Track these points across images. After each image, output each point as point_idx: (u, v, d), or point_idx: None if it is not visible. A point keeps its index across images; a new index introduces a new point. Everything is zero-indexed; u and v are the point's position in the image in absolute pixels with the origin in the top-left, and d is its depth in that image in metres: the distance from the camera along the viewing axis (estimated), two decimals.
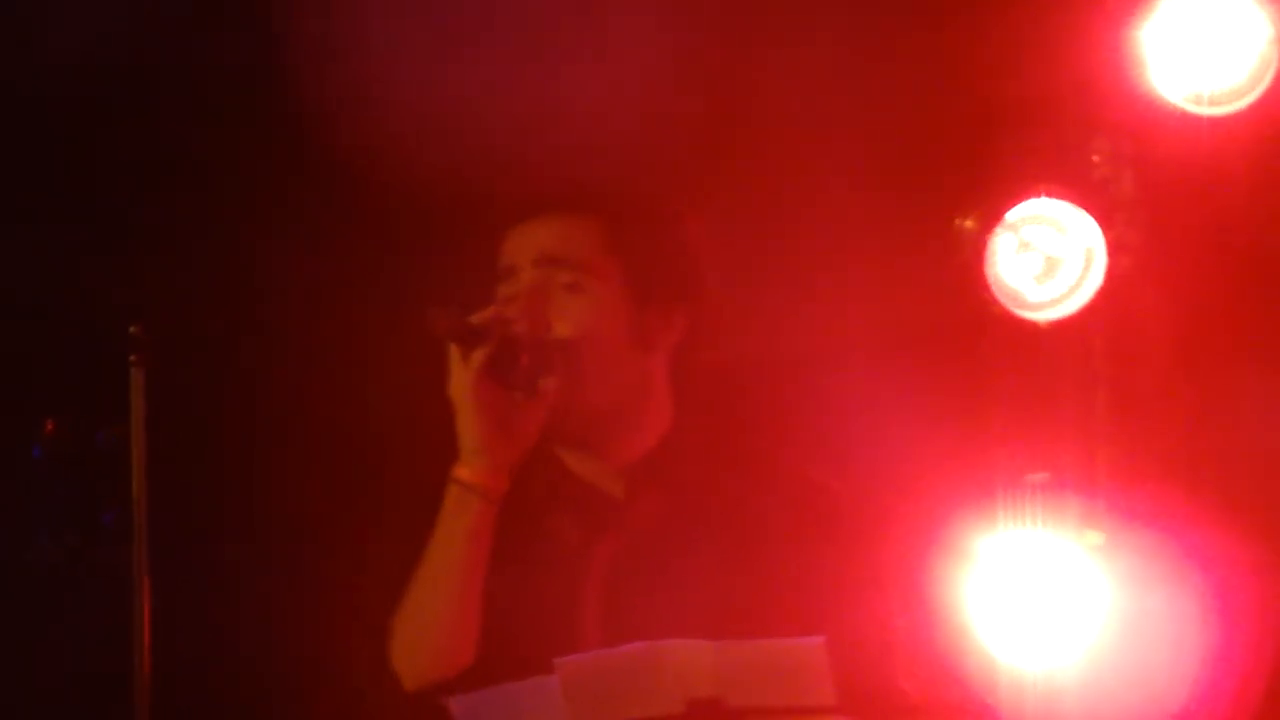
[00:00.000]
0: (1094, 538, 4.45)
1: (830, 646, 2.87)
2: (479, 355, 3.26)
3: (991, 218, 4.50)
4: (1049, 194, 4.52)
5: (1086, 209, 4.50)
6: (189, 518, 4.86)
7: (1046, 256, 4.51)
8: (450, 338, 3.29)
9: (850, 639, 3.07)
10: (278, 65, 5.42)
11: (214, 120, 5.82)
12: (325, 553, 4.23)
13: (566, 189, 3.56)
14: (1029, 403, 4.63)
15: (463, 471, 3.30)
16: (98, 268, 5.85)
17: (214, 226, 5.75)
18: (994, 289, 4.50)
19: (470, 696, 2.99)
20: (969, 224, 4.52)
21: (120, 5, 5.30)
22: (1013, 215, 4.51)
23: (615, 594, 3.32)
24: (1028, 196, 4.51)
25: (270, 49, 5.29)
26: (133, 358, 4.40)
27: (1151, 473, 4.58)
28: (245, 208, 5.78)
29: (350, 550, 3.69)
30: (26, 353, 5.72)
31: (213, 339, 5.53)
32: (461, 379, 3.29)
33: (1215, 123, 4.45)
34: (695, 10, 4.87)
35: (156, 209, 5.81)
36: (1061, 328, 4.57)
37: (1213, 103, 4.41)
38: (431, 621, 3.30)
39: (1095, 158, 4.51)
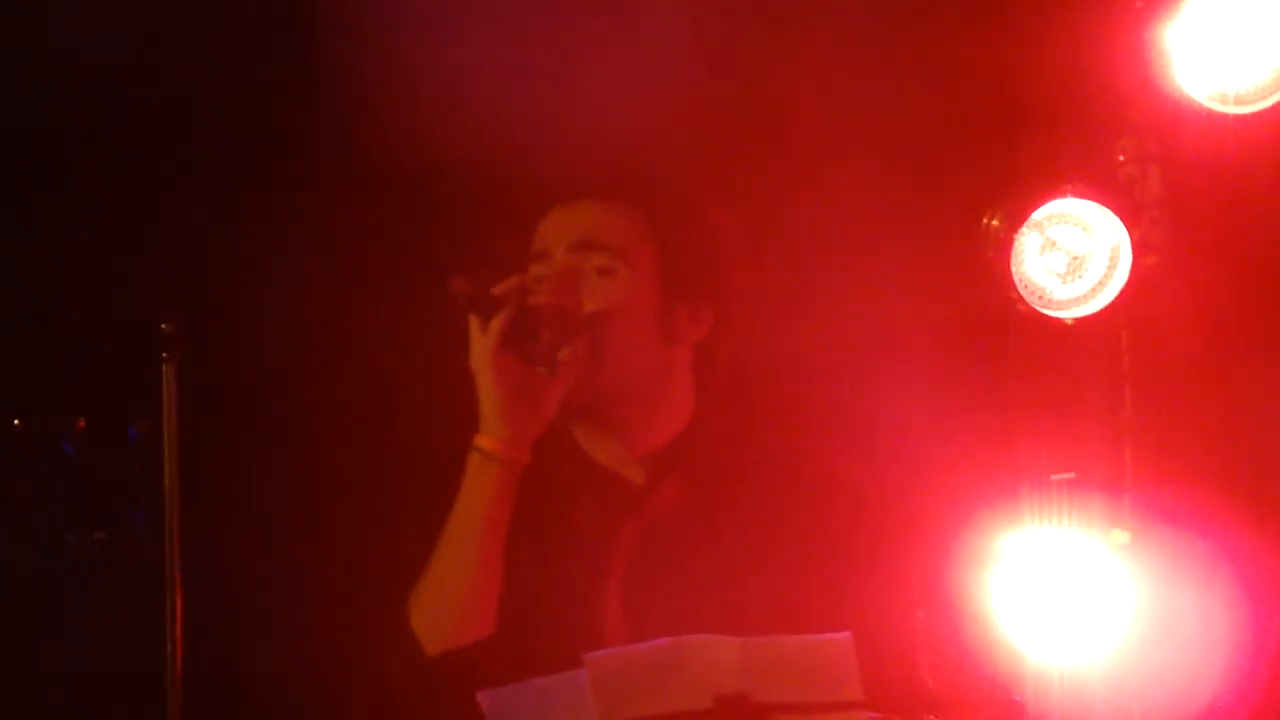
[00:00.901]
0: (1120, 536, 4.45)
1: (856, 641, 2.86)
2: (497, 323, 3.28)
3: (1017, 216, 4.50)
4: (1075, 193, 4.51)
5: (1112, 208, 4.50)
6: (219, 509, 4.87)
7: (1072, 255, 4.52)
8: (470, 307, 3.32)
9: (876, 634, 3.07)
10: (306, 53, 5.41)
11: (244, 111, 5.82)
12: (353, 529, 4.28)
13: (606, 176, 3.58)
14: (1055, 401, 4.65)
15: (483, 440, 3.33)
16: (126, 265, 5.87)
17: (240, 217, 5.72)
18: (1019, 287, 4.51)
19: (499, 690, 2.96)
20: (995, 222, 4.52)
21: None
22: (1038, 214, 4.51)
23: (637, 580, 3.35)
24: (1053, 195, 4.51)
25: (298, 37, 5.33)
26: (164, 355, 4.48)
27: (1178, 472, 4.57)
28: (271, 197, 5.74)
29: (377, 523, 3.75)
30: (58, 350, 5.74)
31: (240, 330, 5.53)
32: (481, 348, 3.32)
33: (1242, 122, 4.43)
34: (726, 7, 4.89)
35: (183, 204, 5.78)
36: (1087, 326, 4.57)
37: (1239, 101, 4.40)
38: (452, 587, 3.33)
39: (1121, 157, 4.52)
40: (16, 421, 5.75)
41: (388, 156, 4.99)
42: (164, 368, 4.47)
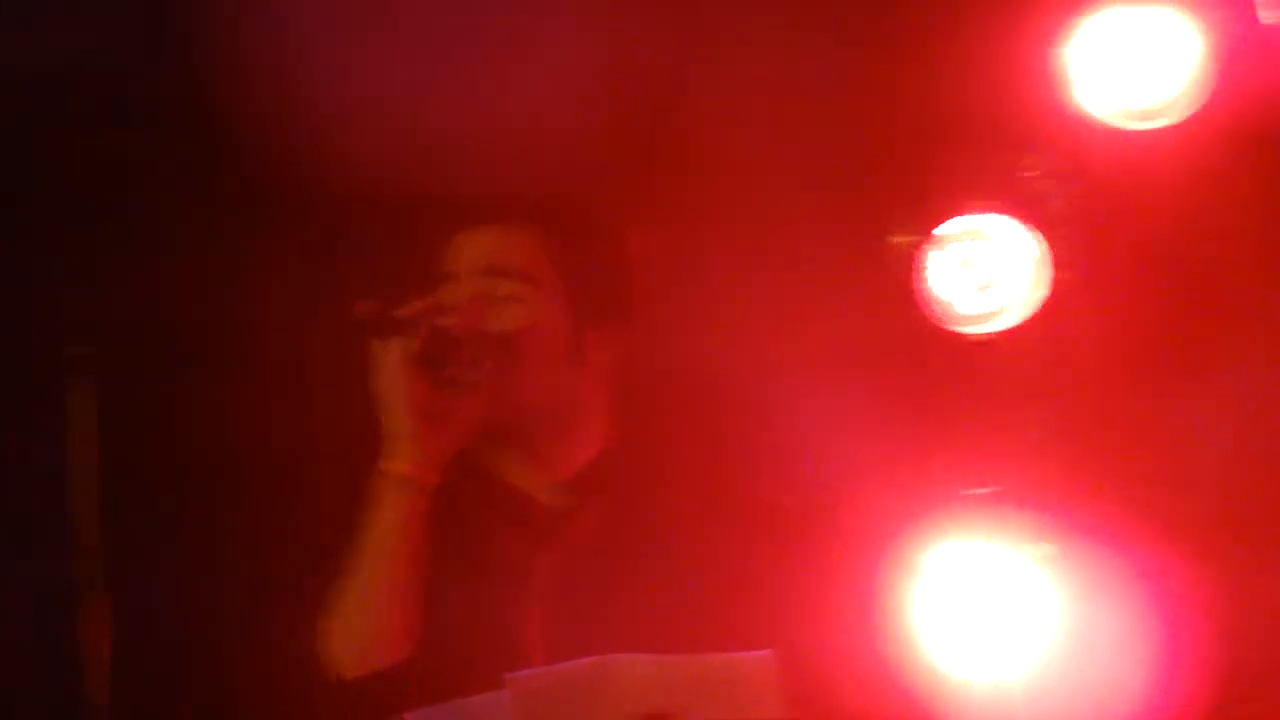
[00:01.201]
0: (1041, 550, 4.47)
1: (778, 659, 2.94)
2: (403, 345, 3.30)
3: (926, 234, 4.54)
4: (983, 210, 4.54)
5: (1024, 223, 4.53)
6: (132, 529, 4.76)
7: (984, 272, 4.54)
8: (373, 330, 3.33)
9: (798, 652, 3.13)
10: (209, 70, 5.32)
11: (147, 135, 5.73)
12: (261, 552, 4.29)
13: (511, 200, 3.59)
14: (974, 416, 4.65)
15: (390, 463, 3.36)
16: (36, 285, 5.79)
17: (147, 243, 5.65)
18: (931, 304, 4.54)
19: (423, 711, 3.03)
20: (903, 240, 4.55)
21: (51, 11, 5.33)
22: (948, 231, 4.54)
23: (558, 605, 3.37)
24: (962, 212, 4.54)
25: (204, 54, 5.31)
26: (76, 373, 4.47)
27: (1096, 486, 4.59)
28: (179, 219, 5.70)
29: (286, 545, 3.76)
30: None
31: (153, 352, 5.43)
32: (389, 371, 3.34)
33: (1146, 137, 4.48)
34: (638, 27, 4.85)
35: (92, 222, 5.77)
36: (1002, 341, 4.59)
37: (1143, 118, 4.44)
38: (368, 610, 3.35)
39: (1031, 173, 4.54)
40: None
41: (291, 180, 4.95)
42: (73, 389, 4.52)
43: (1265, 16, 4.34)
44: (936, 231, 4.57)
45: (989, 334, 4.58)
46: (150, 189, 5.69)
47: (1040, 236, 4.54)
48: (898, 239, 4.58)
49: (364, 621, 3.38)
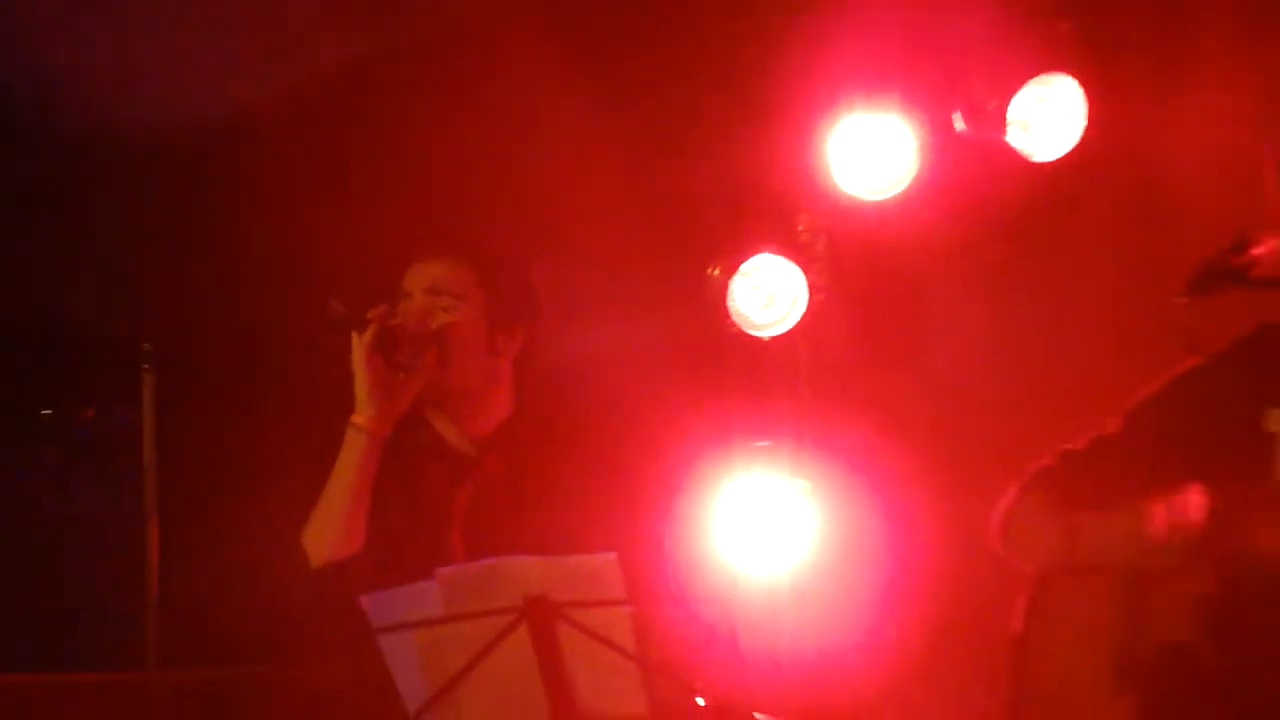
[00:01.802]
0: (802, 484, 4.64)
1: (621, 558, 3.09)
2: (368, 336, 3.47)
3: (730, 268, 4.69)
4: (770, 251, 4.71)
5: (794, 262, 4.70)
6: (184, 474, 4.87)
7: (768, 293, 4.72)
8: (346, 323, 3.51)
9: (636, 553, 3.25)
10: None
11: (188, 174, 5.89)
12: (269, 481, 4.26)
13: (450, 241, 3.76)
14: (761, 390, 4.85)
15: (357, 418, 3.53)
16: (117, 293, 6.03)
17: (204, 258, 5.82)
18: (732, 315, 4.70)
19: (375, 595, 3.18)
20: (716, 272, 4.70)
21: None
22: (744, 266, 4.70)
23: (472, 523, 3.57)
24: (754, 253, 4.70)
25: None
26: (145, 366, 4.76)
27: (842, 438, 4.75)
28: (208, 249, 5.85)
29: (285, 475, 3.89)
30: (76, 363, 5.90)
31: (196, 346, 5.49)
32: (358, 354, 3.51)
33: (880, 204, 4.66)
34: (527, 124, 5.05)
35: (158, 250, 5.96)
36: (778, 342, 4.76)
37: (877, 192, 4.62)
38: (330, 519, 3.57)
39: (800, 227, 4.70)
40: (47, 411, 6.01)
41: (302, 230, 5.15)
42: (144, 375, 4.80)
43: (958, 125, 4.52)
44: (739, 267, 4.72)
45: (771, 335, 4.76)
46: (193, 232, 5.82)
47: (803, 271, 4.70)
48: (712, 271, 4.71)
49: (325, 526, 3.56)
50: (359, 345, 3.56)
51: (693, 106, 5.05)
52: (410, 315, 3.62)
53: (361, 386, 3.58)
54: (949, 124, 4.59)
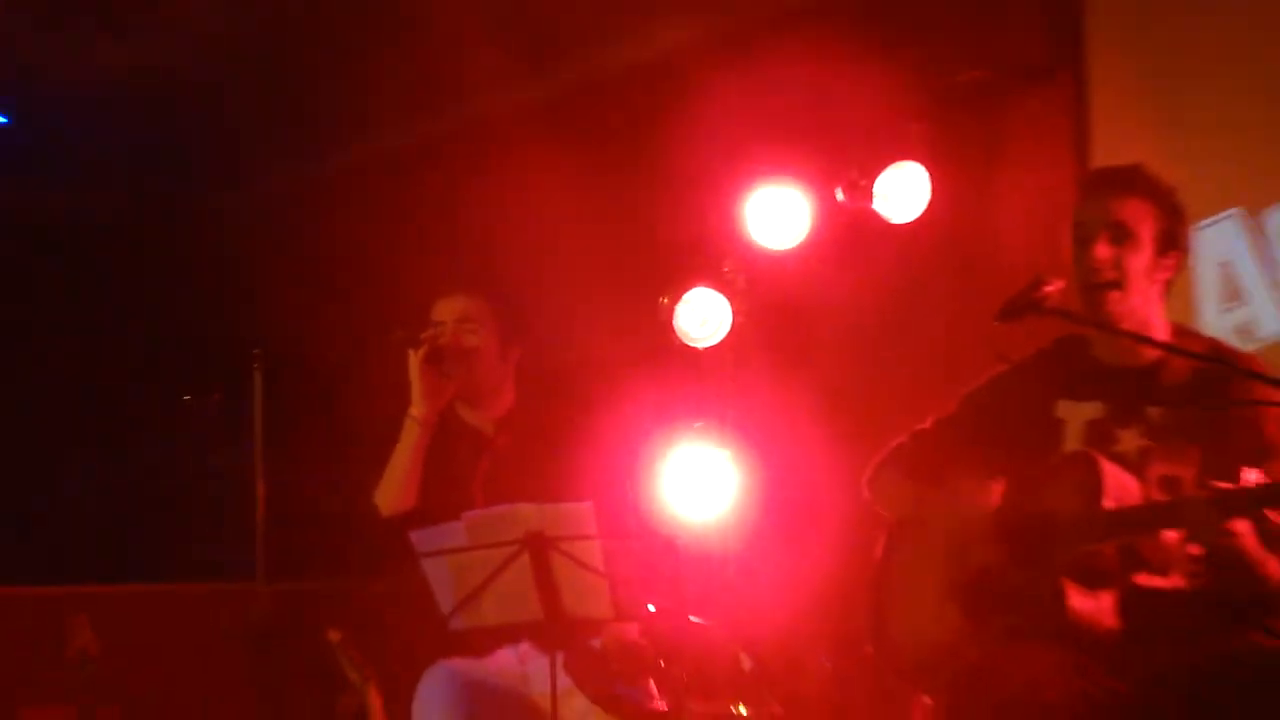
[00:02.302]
0: (725, 453, 4.55)
1: (595, 506, 3.17)
2: (420, 352, 3.52)
3: (675, 297, 4.67)
4: (704, 285, 4.67)
5: (722, 293, 4.66)
6: (284, 444, 4.90)
7: (702, 316, 4.67)
8: (406, 344, 3.56)
9: (606, 502, 3.29)
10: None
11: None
12: (353, 454, 4.14)
13: (471, 281, 3.79)
14: (696, 386, 4.78)
15: (412, 411, 3.57)
16: (239, 312, 6.15)
17: (301, 289, 5.95)
18: (676, 332, 4.70)
19: (420, 532, 3.27)
20: (665, 300, 4.68)
21: None
22: (685, 296, 4.68)
23: (488, 481, 3.58)
24: (692, 286, 4.67)
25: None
26: (256, 365, 4.75)
27: (754, 421, 4.67)
28: (304, 282, 6.01)
29: (368, 450, 3.80)
30: (207, 361, 5.92)
31: (295, 352, 5.43)
32: (414, 365, 3.56)
33: (783, 252, 4.63)
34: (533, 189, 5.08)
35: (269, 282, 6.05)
36: (711, 351, 4.70)
37: (780, 242, 4.59)
38: (394, 484, 3.60)
39: (726, 268, 4.63)
40: (190, 396, 5.82)
41: (373, 273, 5.20)
42: (256, 371, 4.78)
43: (839, 197, 4.49)
44: (682, 297, 4.68)
45: (705, 347, 4.70)
46: (295, 268, 5.88)
47: (728, 300, 4.64)
48: (663, 300, 4.68)
49: (390, 489, 3.61)
50: (414, 359, 3.59)
51: (647, 184, 5.06)
52: (448, 337, 3.61)
53: (416, 388, 3.61)
54: (833, 196, 4.56)
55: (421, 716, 3.42)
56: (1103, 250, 2.89)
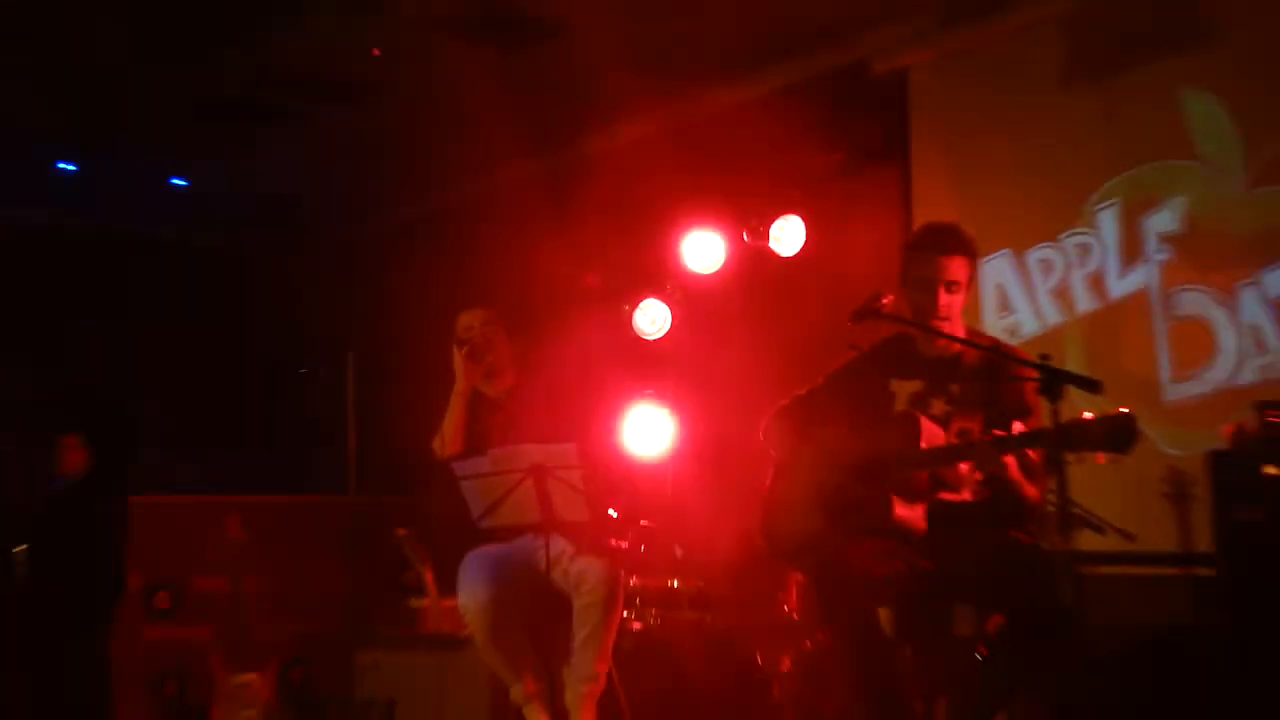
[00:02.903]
0: (666, 412, 4.36)
1: (577, 446, 3.13)
2: (464, 350, 3.45)
3: (634, 305, 4.59)
4: (653, 297, 4.60)
5: (665, 302, 4.59)
6: (370, 409, 4.95)
7: (651, 317, 4.58)
8: (456, 343, 3.49)
9: (585, 443, 3.23)
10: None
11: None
12: (420, 409, 3.90)
13: (490, 300, 3.68)
14: (648, 366, 4.65)
15: (457, 388, 3.45)
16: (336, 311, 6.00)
17: (383, 300, 5.78)
18: (636, 328, 4.60)
19: (460, 463, 3.23)
20: (627, 307, 4.59)
21: None
22: (641, 304, 4.60)
23: (503, 431, 3.45)
24: (645, 297, 4.59)
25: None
26: (349, 351, 4.70)
27: (686, 391, 4.57)
28: (385, 293, 5.85)
29: (432, 408, 3.64)
30: (314, 349, 5.86)
31: (378, 344, 5.54)
32: (459, 359, 3.47)
33: (710, 275, 4.55)
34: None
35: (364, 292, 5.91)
36: (661, 341, 4.61)
37: (705, 268, 4.53)
38: (446, 436, 3.48)
39: (668, 285, 4.56)
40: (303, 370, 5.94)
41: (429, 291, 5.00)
42: (350, 355, 4.73)
43: (745, 238, 4.35)
44: (639, 304, 4.60)
45: (654, 339, 4.61)
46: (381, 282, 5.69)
47: (669, 307, 4.58)
48: (625, 307, 4.58)
49: (444, 440, 3.49)
50: (459, 354, 3.50)
51: (614, 230, 4.91)
52: (478, 337, 3.52)
53: (459, 372, 3.51)
54: (740, 237, 4.50)
55: (463, 583, 3.33)
56: (943, 299, 2.87)
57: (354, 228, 6.49)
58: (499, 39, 4.51)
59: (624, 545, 3.33)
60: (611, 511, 3.49)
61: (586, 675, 3.16)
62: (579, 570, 3.17)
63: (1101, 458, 2.41)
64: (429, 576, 4.28)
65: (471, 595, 3.24)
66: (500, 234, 5.37)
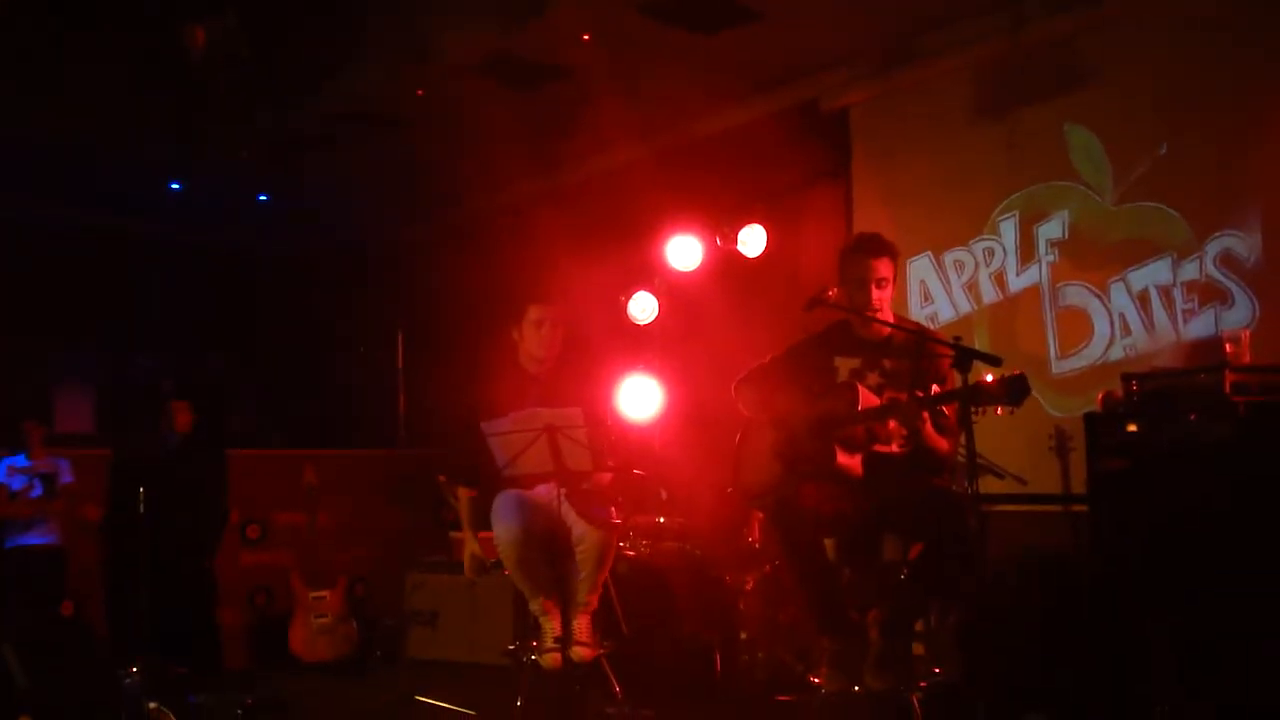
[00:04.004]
0: (655, 382, 4.24)
1: (584, 410, 3.03)
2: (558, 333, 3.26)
3: (629, 296, 4.47)
4: (644, 290, 4.49)
5: (653, 294, 4.47)
6: (417, 377, 4.75)
7: (643, 306, 4.47)
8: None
9: (590, 408, 3.13)
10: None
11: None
12: (462, 380, 3.71)
13: (551, 297, 3.42)
14: (641, 346, 4.45)
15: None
16: (386, 301, 5.86)
17: (433, 290, 5.56)
18: (630, 314, 4.49)
19: (487, 422, 3.10)
20: (623, 298, 4.47)
21: None
22: (634, 296, 4.48)
23: (534, 397, 3.28)
24: (638, 290, 4.48)
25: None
26: (400, 331, 4.64)
27: (671, 365, 4.43)
28: (434, 283, 5.61)
29: (470, 383, 3.51)
30: (370, 330, 5.74)
31: (428, 323, 5.44)
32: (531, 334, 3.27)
33: (691, 273, 4.39)
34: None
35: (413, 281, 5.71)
36: (649, 326, 4.51)
37: (686, 266, 4.40)
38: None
39: (656, 280, 4.45)
40: (363, 348, 5.85)
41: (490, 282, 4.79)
42: (399, 333, 4.67)
43: (719, 241, 4.26)
44: (633, 296, 4.48)
45: (645, 324, 4.49)
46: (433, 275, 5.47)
47: (656, 298, 4.46)
48: (622, 298, 4.47)
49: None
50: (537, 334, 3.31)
51: (615, 236, 4.83)
52: (546, 328, 3.35)
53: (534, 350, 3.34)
54: (714, 241, 4.42)
55: (496, 516, 3.24)
56: (875, 293, 2.89)
57: (402, 231, 6.46)
58: (516, 81, 4.56)
59: (618, 521, 3.29)
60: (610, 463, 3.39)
61: (581, 601, 3.17)
62: (580, 533, 3.16)
63: (1000, 410, 2.42)
64: (464, 515, 4.26)
65: (506, 530, 3.19)
66: (518, 238, 5.34)
